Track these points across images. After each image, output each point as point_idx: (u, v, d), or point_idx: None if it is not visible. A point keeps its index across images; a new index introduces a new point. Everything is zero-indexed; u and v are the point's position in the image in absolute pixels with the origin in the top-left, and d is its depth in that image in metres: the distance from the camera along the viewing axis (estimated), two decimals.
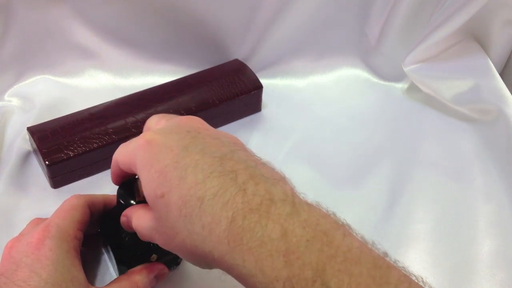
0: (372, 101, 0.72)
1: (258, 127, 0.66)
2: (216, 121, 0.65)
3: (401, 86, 0.74)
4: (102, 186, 0.58)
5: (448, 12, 0.66)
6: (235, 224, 0.31)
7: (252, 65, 0.69)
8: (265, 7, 0.67)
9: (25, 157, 0.60)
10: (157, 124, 0.40)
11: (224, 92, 0.64)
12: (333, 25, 0.71)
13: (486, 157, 0.63)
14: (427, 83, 0.70)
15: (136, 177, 0.42)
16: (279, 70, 0.74)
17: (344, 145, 0.65)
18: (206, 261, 0.34)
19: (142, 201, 0.40)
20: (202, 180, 0.32)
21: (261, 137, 0.65)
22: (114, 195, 0.49)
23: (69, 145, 0.56)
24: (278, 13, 0.68)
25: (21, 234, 0.43)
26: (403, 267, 0.33)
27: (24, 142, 0.60)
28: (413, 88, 0.72)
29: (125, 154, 0.38)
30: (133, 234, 0.45)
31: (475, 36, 0.73)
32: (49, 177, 0.56)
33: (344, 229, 0.33)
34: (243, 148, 0.37)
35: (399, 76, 0.74)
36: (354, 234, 0.33)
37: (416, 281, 0.33)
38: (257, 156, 0.36)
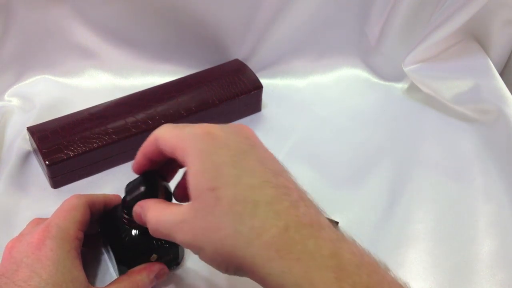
0: (372, 101, 0.72)
1: (258, 127, 0.66)
2: (216, 121, 0.64)
3: (401, 86, 0.74)
4: (102, 186, 0.58)
5: (448, 12, 0.66)
6: (287, 234, 0.32)
7: (252, 65, 0.69)
8: (265, 7, 0.67)
9: (25, 157, 0.60)
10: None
11: (224, 92, 0.64)
12: (333, 25, 0.71)
13: (486, 157, 0.63)
14: (427, 83, 0.70)
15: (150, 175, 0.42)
16: (279, 70, 0.74)
17: (344, 145, 0.65)
18: (236, 265, 0.34)
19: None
20: (258, 185, 0.34)
21: (261, 137, 0.64)
22: (114, 195, 0.49)
23: (69, 145, 0.56)
24: (278, 13, 0.68)
25: (21, 234, 0.43)
26: None
27: (24, 142, 0.61)
28: (413, 88, 0.72)
29: (176, 136, 0.37)
30: (133, 234, 0.45)
31: (475, 36, 0.73)
32: (49, 177, 0.56)
33: (384, 264, 0.36)
34: (288, 171, 0.38)
35: (399, 76, 0.74)
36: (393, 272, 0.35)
37: None
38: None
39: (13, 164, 0.58)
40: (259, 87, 0.66)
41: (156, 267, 0.46)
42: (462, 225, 0.56)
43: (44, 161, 0.55)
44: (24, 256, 0.40)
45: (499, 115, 0.64)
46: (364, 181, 0.60)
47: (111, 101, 0.62)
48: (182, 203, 0.38)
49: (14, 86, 0.68)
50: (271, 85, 0.72)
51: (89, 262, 0.48)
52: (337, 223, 0.54)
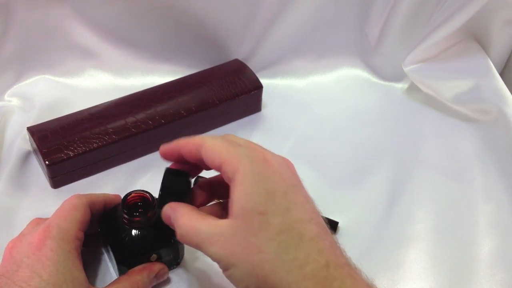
0: (372, 101, 0.72)
1: (258, 127, 0.66)
2: (216, 121, 0.65)
3: (401, 86, 0.74)
4: (102, 186, 0.58)
5: (448, 12, 0.66)
6: (327, 271, 0.34)
7: (252, 65, 0.69)
8: (265, 7, 0.67)
9: (25, 157, 0.60)
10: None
11: (224, 92, 0.64)
12: (333, 25, 0.71)
13: (486, 157, 0.63)
14: (427, 83, 0.70)
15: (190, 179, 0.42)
16: (279, 70, 0.74)
17: (344, 145, 0.65)
18: None
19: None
20: (305, 220, 0.36)
21: (261, 137, 0.65)
22: (114, 195, 0.49)
23: (69, 145, 0.56)
24: (278, 13, 0.68)
25: (21, 235, 0.43)
26: None
27: (24, 142, 0.60)
28: (413, 88, 0.72)
29: (228, 151, 0.38)
30: (133, 234, 0.45)
31: (475, 36, 0.73)
32: (49, 177, 0.56)
33: None
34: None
35: (399, 76, 0.74)
36: None
37: None
38: None
39: (13, 164, 0.58)
40: (259, 87, 0.66)
41: (156, 267, 0.46)
42: (462, 225, 0.56)
43: (44, 161, 0.55)
44: (24, 256, 0.40)
45: (499, 115, 0.64)
46: (364, 181, 0.60)
47: (111, 101, 0.62)
48: (219, 218, 0.38)
49: (14, 86, 0.68)
50: (271, 85, 0.72)
51: (89, 262, 0.48)
52: (337, 223, 0.54)
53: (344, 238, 0.54)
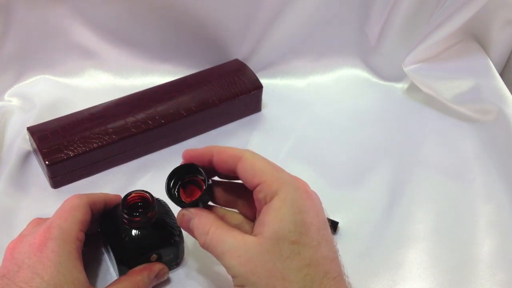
0: (372, 101, 0.72)
1: (258, 127, 0.66)
2: (216, 121, 0.65)
3: (401, 86, 0.74)
4: (102, 186, 0.58)
5: (448, 12, 0.66)
6: None
7: (252, 65, 0.69)
8: (265, 7, 0.67)
9: (25, 157, 0.60)
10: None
11: (224, 92, 0.64)
12: (333, 25, 0.71)
13: (486, 157, 0.63)
14: (427, 83, 0.70)
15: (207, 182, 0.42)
16: (279, 70, 0.74)
17: (344, 145, 0.65)
18: None
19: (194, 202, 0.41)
20: (331, 258, 0.38)
21: (261, 137, 0.65)
22: (114, 195, 0.49)
23: (69, 145, 0.56)
24: (278, 13, 0.68)
25: (22, 235, 0.43)
26: None
27: (24, 142, 0.60)
28: (413, 88, 0.72)
29: (271, 173, 0.39)
30: (133, 234, 0.45)
31: (475, 36, 0.73)
32: (49, 177, 0.56)
33: None
34: None
35: (399, 76, 0.74)
36: None
37: None
38: None
39: (13, 164, 0.58)
40: (259, 87, 0.66)
41: (157, 267, 0.46)
42: (462, 225, 0.56)
43: (44, 161, 0.55)
44: (25, 257, 0.40)
45: (499, 115, 0.64)
46: (364, 181, 0.60)
47: (111, 101, 0.62)
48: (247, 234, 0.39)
49: (14, 86, 0.68)
50: (271, 85, 0.72)
51: (90, 263, 0.48)
52: (337, 223, 0.54)
53: (344, 238, 0.54)
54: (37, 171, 0.59)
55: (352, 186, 0.59)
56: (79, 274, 0.41)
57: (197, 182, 0.43)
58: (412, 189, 0.59)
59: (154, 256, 0.46)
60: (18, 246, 0.41)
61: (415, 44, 0.69)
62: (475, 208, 0.58)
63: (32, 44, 0.66)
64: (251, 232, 0.38)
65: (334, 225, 0.54)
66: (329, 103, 0.71)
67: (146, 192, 0.45)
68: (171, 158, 0.61)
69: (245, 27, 0.69)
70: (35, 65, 0.68)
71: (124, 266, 0.45)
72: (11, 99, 0.67)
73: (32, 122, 0.61)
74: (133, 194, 0.45)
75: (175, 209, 0.48)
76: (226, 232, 0.38)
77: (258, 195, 0.39)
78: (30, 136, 0.57)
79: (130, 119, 0.59)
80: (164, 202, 0.49)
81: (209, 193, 0.42)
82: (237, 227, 0.41)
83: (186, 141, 0.64)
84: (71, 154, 0.55)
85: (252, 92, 0.65)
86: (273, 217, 0.37)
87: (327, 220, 0.39)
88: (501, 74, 0.73)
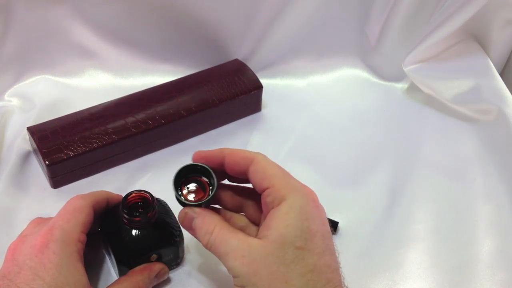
0: (372, 101, 0.72)
1: (258, 127, 0.66)
2: (216, 121, 0.65)
3: (401, 86, 0.74)
4: (102, 186, 0.57)
5: (448, 12, 0.66)
6: None
7: (252, 65, 0.69)
8: (265, 7, 0.67)
9: (25, 157, 0.60)
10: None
11: (224, 92, 0.64)
12: (333, 25, 0.71)
13: (486, 157, 0.63)
14: (427, 83, 0.70)
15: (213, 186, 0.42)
16: (279, 70, 0.74)
17: (344, 145, 0.65)
18: None
19: (201, 202, 0.41)
20: (333, 268, 0.38)
21: (261, 137, 0.65)
22: (116, 194, 0.48)
23: (69, 145, 0.56)
24: (278, 13, 0.68)
25: (24, 236, 0.43)
26: None
27: (24, 142, 0.60)
28: (413, 88, 0.72)
29: (280, 178, 0.39)
30: (134, 234, 0.45)
31: (475, 36, 0.73)
32: (49, 177, 0.56)
33: None
34: None
35: (399, 76, 0.74)
36: None
37: None
38: None
39: (13, 164, 0.58)
40: (259, 87, 0.66)
41: (157, 267, 0.46)
42: (462, 225, 0.56)
43: (44, 161, 0.55)
44: (27, 259, 0.40)
45: (499, 115, 0.64)
46: (364, 181, 0.60)
47: (111, 101, 0.62)
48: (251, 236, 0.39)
49: (14, 86, 0.68)
50: (271, 85, 0.72)
51: (90, 263, 0.48)
52: (337, 223, 0.54)
53: (344, 238, 0.54)
54: (37, 171, 0.59)
55: (352, 186, 0.59)
56: (80, 276, 0.41)
57: (200, 182, 0.43)
58: (412, 189, 0.59)
59: (154, 256, 0.46)
60: (19, 247, 0.41)
61: (415, 44, 0.69)
62: (475, 208, 0.58)
63: (32, 44, 0.66)
64: (255, 236, 0.39)
65: (334, 225, 0.54)
66: (329, 103, 0.71)
67: (146, 192, 0.45)
68: (171, 158, 0.61)
69: (245, 27, 0.69)
70: (35, 65, 0.68)
71: (124, 266, 0.45)
72: (11, 99, 0.67)
73: (32, 122, 0.61)
74: (133, 194, 0.45)
75: (175, 208, 0.49)
76: (231, 233, 0.39)
77: (266, 198, 0.39)
78: (30, 136, 0.57)
79: (130, 119, 0.59)
80: (164, 202, 0.49)
81: (214, 196, 0.42)
82: (242, 229, 0.41)
83: (186, 141, 0.64)
84: (71, 154, 0.55)
85: (252, 92, 0.65)
86: (280, 221, 0.37)
87: (330, 231, 0.40)
88: (501, 74, 0.73)
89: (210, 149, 0.42)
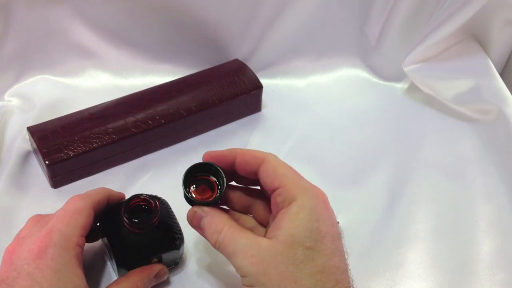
0: (372, 101, 0.72)
1: (258, 127, 0.66)
2: (216, 121, 0.65)
3: (401, 86, 0.74)
4: (102, 186, 0.57)
5: (448, 12, 0.66)
6: None
7: (252, 65, 0.69)
8: (265, 7, 0.67)
9: (25, 157, 0.60)
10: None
11: (224, 92, 0.64)
12: (333, 25, 0.71)
13: (486, 157, 0.63)
14: (427, 83, 0.70)
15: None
16: (279, 70, 0.74)
17: (344, 145, 0.65)
18: None
19: (209, 201, 0.41)
20: (342, 270, 0.38)
21: (261, 137, 0.65)
22: (118, 192, 0.48)
23: (69, 145, 0.56)
24: (278, 13, 0.68)
25: (22, 237, 0.42)
26: None
27: (24, 142, 0.60)
28: (413, 88, 0.72)
29: (291, 178, 0.39)
30: (135, 239, 0.44)
31: (475, 36, 0.73)
32: (49, 177, 0.56)
33: None
34: None
35: (399, 76, 0.74)
36: None
37: None
38: None
39: (13, 164, 0.58)
40: (259, 87, 0.66)
41: (156, 267, 0.46)
42: (462, 225, 0.56)
43: (44, 161, 0.55)
44: (24, 264, 0.39)
45: (499, 115, 0.64)
46: (364, 181, 0.60)
47: (111, 101, 0.62)
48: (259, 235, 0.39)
49: (14, 86, 0.68)
50: (271, 85, 0.72)
51: (90, 264, 0.48)
52: (337, 223, 0.54)
53: (344, 238, 0.53)
54: (37, 171, 0.59)
55: (352, 186, 0.59)
56: (79, 281, 0.40)
57: (208, 182, 0.43)
58: (412, 189, 0.59)
59: (155, 260, 0.46)
60: (17, 250, 0.40)
61: (415, 44, 0.69)
62: (475, 208, 0.58)
63: (32, 44, 0.66)
64: (263, 237, 0.39)
65: None
66: (329, 103, 0.71)
67: (150, 197, 0.44)
68: (171, 158, 0.61)
69: (245, 27, 0.69)
70: (35, 65, 0.68)
71: (125, 269, 0.45)
72: (11, 99, 0.67)
73: (32, 122, 0.61)
74: (135, 200, 0.44)
75: (175, 208, 0.49)
76: (240, 232, 0.39)
77: (277, 198, 0.39)
78: (30, 136, 0.57)
79: (130, 119, 0.59)
80: (166, 201, 0.48)
81: (223, 195, 0.42)
82: (250, 230, 0.41)
83: (186, 141, 0.64)
84: (71, 154, 0.55)
85: (252, 92, 0.65)
86: (290, 221, 0.37)
87: (340, 233, 0.40)
88: (501, 74, 0.73)
89: (220, 149, 0.43)
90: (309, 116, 0.69)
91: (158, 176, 0.59)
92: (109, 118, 0.59)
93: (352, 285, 0.39)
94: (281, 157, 0.62)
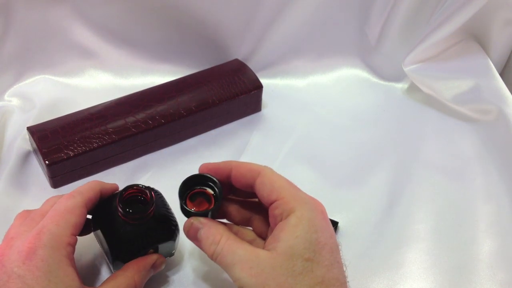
0: (372, 101, 0.72)
1: (258, 127, 0.66)
2: (216, 121, 0.65)
3: (401, 86, 0.74)
4: None
5: (448, 12, 0.66)
6: None
7: (252, 65, 0.69)
8: (265, 7, 0.67)
9: (25, 157, 0.60)
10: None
11: (224, 92, 0.64)
12: (333, 25, 0.71)
13: (486, 157, 0.63)
14: (427, 83, 0.70)
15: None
16: (279, 70, 0.74)
17: (344, 145, 0.65)
18: None
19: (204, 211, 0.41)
20: (341, 282, 0.38)
21: (261, 137, 0.65)
22: (111, 184, 0.47)
23: (69, 145, 0.56)
24: (278, 13, 0.68)
25: (11, 237, 0.41)
26: None
27: (24, 142, 0.60)
28: (413, 88, 0.72)
29: (289, 190, 0.39)
30: (131, 230, 0.44)
31: (475, 36, 0.73)
32: (49, 177, 0.56)
33: None
34: None
35: (399, 76, 0.74)
36: None
37: None
38: None
39: (13, 164, 0.58)
40: (259, 87, 0.66)
41: (152, 258, 0.45)
42: (462, 225, 0.56)
43: (44, 161, 0.55)
44: (14, 266, 0.38)
45: (499, 115, 0.64)
46: (364, 181, 0.60)
47: (111, 101, 0.62)
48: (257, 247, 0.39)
49: (14, 86, 0.68)
50: (271, 85, 0.72)
51: (83, 263, 0.48)
52: (337, 223, 0.54)
53: (344, 238, 0.54)
54: (37, 171, 0.59)
55: (352, 186, 0.59)
56: (71, 281, 0.39)
57: (205, 195, 0.43)
58: (412, 189, 0.59)
59: (151, 250, 0.45)
60: (7, 253, 0.39)
61: (415, 44, 0.69)
62: (475, 208, 0.58)
63: (32, 44, 0.66)
64: (262, 249, 0.38)
65: (334, 225, 0.54)
66: (329, 103, 0.71)
67: (144, 187, 0.44)
68: (170, 158, 0.61)
69: (245, 27, 0.69)
70: (35, 65, 0.68)
71: (121, 261, 0.44)
72: (11, 99, 0.67)
73: (32, 122, 0.61)
74: (130, 190, 0.43)
75: (174, 208, 0.48)
76: (237, 244, 0.39)
77: (274, 211, 0.39)
78: (30, 136, 0.57)
79: (130, 119, 0.59)
80: (160, 192, 0.48)
81: (220, 206, 0.42)
82: (250, 243, 0.40)
83: (186, 141, 0.64)
84: (71, 154, 0.55)
85: (252, 92, 0.65)
86: (289, 233, 0.37)
87: (338, 244, 0.40)
88: (501, 74, 0.73)
89: (216, 162, 0.42)
90: (309, 116, 0.69)
91: (158, 176, 0.59)
92: (109, 118, 0.59)
93: None
94: (281, 157, 0.63)
